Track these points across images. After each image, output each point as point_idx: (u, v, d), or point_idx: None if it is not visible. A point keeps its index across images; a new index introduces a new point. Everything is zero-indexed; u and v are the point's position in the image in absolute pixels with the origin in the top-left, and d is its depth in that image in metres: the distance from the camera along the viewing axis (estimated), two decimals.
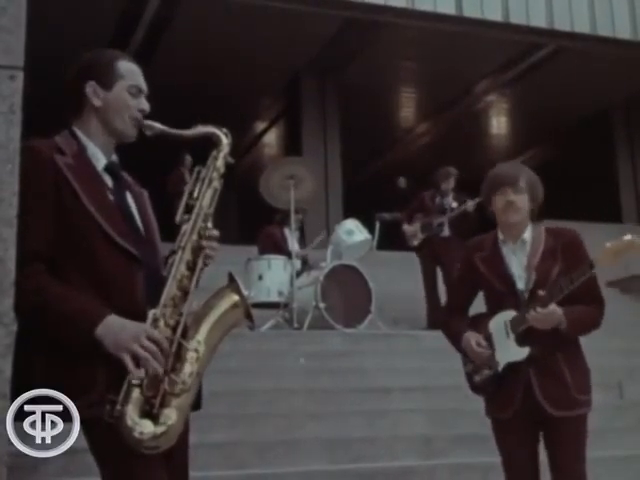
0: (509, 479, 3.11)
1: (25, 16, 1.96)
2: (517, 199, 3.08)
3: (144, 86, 2.31)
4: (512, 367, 3.04)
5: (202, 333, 2.12)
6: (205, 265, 2.21)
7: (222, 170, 2.27)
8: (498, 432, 3.12)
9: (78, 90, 2.25)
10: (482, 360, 3.09)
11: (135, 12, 12.18)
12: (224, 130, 2.33)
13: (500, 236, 3.16)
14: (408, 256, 8.71)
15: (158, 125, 2.28)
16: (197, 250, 2.18)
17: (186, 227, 2.19)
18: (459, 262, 3.32)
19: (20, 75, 1.93)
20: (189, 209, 2.22)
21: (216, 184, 2.25)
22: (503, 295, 3.08)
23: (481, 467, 4.51)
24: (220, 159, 2.28)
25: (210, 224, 2.22)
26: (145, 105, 2.29)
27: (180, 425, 2.04)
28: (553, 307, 2.92)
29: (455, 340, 3.18)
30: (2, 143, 1.88)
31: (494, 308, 3.14)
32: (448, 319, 3.30)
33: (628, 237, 2.86)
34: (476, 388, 3.21)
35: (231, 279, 2.21)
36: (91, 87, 2.24)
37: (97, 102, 2.24)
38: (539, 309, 2.92)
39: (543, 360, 2.99)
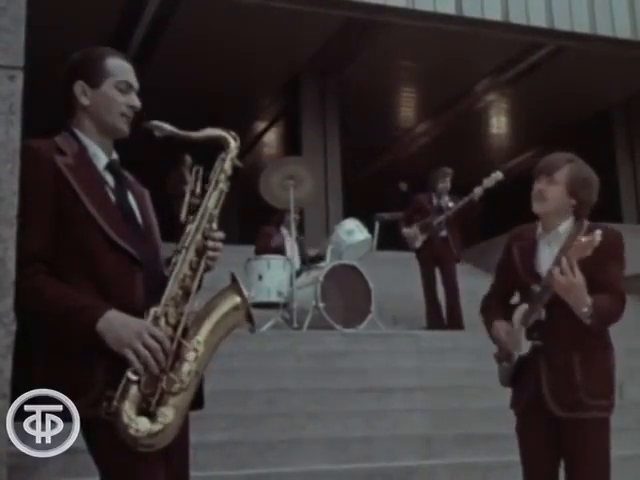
0: (525, 476, 3.06)
1: (25, 16, 1.96)
2: (547, 189, 2.98)
3: (134, 82, 2.29)
4: (523, 361, 2.99)
5: (202, 333, 2.11)
6: (208, 267, 2.21)
7: (229, 172, 2.28)
8: (517, 426, 3.08)
9: (68, 90, 2.25)
10: (508, 349, 3.03)
11: (135, 12, 12.18)
12: (232, 133, 2.33)
13: (539, 228, 3.07)
14: (408, 256, 8.71)
15: (167, 126, 2.27)
16: (201, 251, 2.18)
17: (191, 227, 2.19)
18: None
19: (20, 75, 1.93)
20: (193, 209, 2.22)
21: (223, 186, 2.25)
22: (525, 287, 3.03)
23: (481, 467, 4.51)
24: (227, 161, 2.28)
25: (215, 225, 2.22)
26: (135, 101, 2.28)
27: (177, 424, 2.04)
28: (579, 277, 2.76)
29: (487, 328, 3.13)
30: (2, 143, 1.88)
31: (522, 299, 3.09)
32: (484, 306, 3.23)
33: (598, 233, 2.76)
34: (500, 379, 3.16)
35: (233, 280, 2.21)
36: (79, 86, 2.24)
37: (85, 101, 2.24)
38: (564, 263, 2.74)
39: (554, 356, 2.92)
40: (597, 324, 2.87)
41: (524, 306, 3.02)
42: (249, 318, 2.20)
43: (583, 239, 2.76)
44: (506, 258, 3.15)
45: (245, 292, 2.19)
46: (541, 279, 2.96)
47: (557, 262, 2.85)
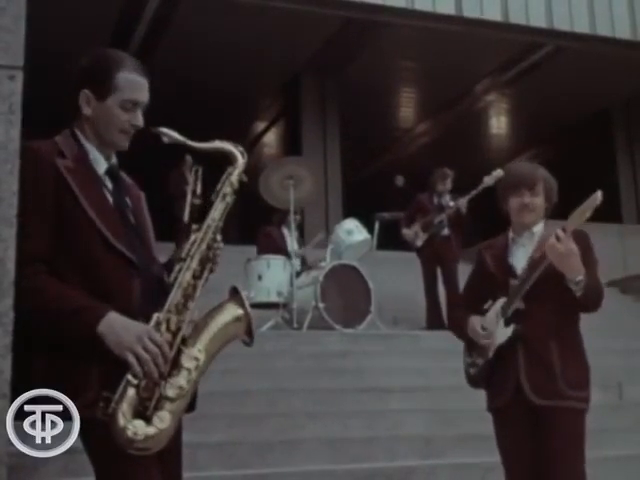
0: (508, 476, 3.08)
1: (25, 16, 1.96)
2: (532, 201, 3.12)
3: (143, 99, 2.25)
4: (501, 352, 3.04)
5: (203, 342, 2.13)
6: (211, 271, 2.23)
7: (236, 186, 2.29)
8: (496, 424, 3.12)
9: (75, 95, 2.22)
10: (485, 342, 3.08)
11: (135, 12, 12.18)
12: (240, 149, 2.33)
13: (511, 234, 3.20)
14: (408, 256, 8.71)
15: (175, 134, 2.27)
16: (205, 261, 2.20)
17: (196, 236, 2.21)
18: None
19: (20, 75, 1.93)
20: (194, 209, 2.24)
21: (229, 199, 2.27)
22: (503, 286, 3.09)
23: (481, 467, 4.50)
24: (235, 175, 2.29)
25: (219, 236, 2.24)
26: (139, 120, 2.24)
27: (172, 429, 2.05)
28: (574, 246, 2.87)
29: (460, 329, 3.20)
30: (2, 143, 1.88)
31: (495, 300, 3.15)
32: (451, 316, 3.33)
33: (599, 194, 2.85)
34: (472, 381, 3.22)
35: (235, 292, 2.24)
36: (84, 95, 2.21)
37: (87, 111, 2.21)
38: (560, 232, 2.85)
39: (533, 344, 2.99)
40: (587, 297, 2.94)
41: (501, 300, 3.07)
42: (249, 332, 2.23)
43: (582, 206, 2.86)
44: (477, 268, 3.28)
45: (248, 306, 2.22)
46: (517, 275, 3.06)
47: (537, 252, 2.99)
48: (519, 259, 3.11)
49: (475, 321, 3.12)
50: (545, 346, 2.99)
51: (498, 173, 7.70)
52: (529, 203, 3.11)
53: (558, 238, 2.86)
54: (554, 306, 2.98)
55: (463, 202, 7.88)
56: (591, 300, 2.99)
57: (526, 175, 3.17)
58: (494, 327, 3.06)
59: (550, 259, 2.89)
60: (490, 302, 3.19)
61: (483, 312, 3.18)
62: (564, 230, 2.87)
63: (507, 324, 3.03)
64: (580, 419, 3.00)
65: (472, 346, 3.19)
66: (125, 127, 2.23)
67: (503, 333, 3.03)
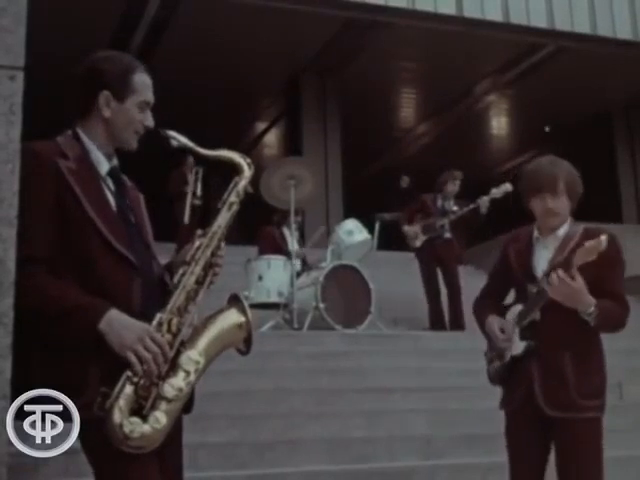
0: (513, 475, 3.07)
1: (25, 16, 1.96)
2: (556, 205, 2.99)
3: (152, 99, 2.31)
4: (516, 361, 3.01)
5: (203, 345, 2.14)
6: (212, 282, 2.25)
7: (242, 196, 2.32)
8: (506, 425, 3.09)
9: (89, 96, 2.24)
10: (500, 346, 3.05)
11: (135, 13, 12.19)
12: (248, 160, 2.36)
13: (535, 233, 3.09)
14: (408, 256, 8.71)
15: (183, 139, 2.30)
16: (208, 267, 2.23)
17: (201, 242, 2.23)
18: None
19: (20, 75, 1.92)
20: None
21: (235, 208, 2.30)
22: (521, 285, 3.05)
23: (481, 467, 4.51)
24: (241, 185, 2.32)
25: (223, 244, 2.27)
26: (150, 121, 2.30)
27: (167, 429, 2.05)
28: (579, 280, 2.79)
29: (480, 325, 3.15)
30: (2, 143, 1.88)
31: (517, 300, 3.12)
32: (477, 306, 3.25)
33: (603, 239, 2.76)
34: (490, 378, 3.17)
35: (236, 298, 2.26)
36: (104, 97, 2.23)
37: (107, 113, 2.24)
38: (560, 272, 2.78)
39: (547, 357, 2.94)
40: (602, 325, 2.89)
41: (518, 307, 3.04)
42: (248, 340, 2.25)
43: (587, 243, 2.77)
44: (502, 260, 3.19)
45: (250, 314, 2.23)
46: (537, 280, 2.98)
47: (552, 266, 2.88)
48: (541, 261, 3.02)
49: (494, 322, 3.06)
50: (560, 358, 2.92)
51: (506, 187, 7.65)
52: (553, 207, 2.99)
53: (559, 278, 2.77)
54: (570, 316, 2.87)
55: (485, 201, 7.75)
56: (608, 327, 2.94)
57: (547, 178, 3.00)
58: (512, 332, 3.02)
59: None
60: (513, 297, 3.14)
61: (503, 308, 3.13)
62: (569, 265, 2.78)
63: (522, 337, 2.98)
64: (595, 427, 2.94)
65: (491, 344, 3.14)
66: (139, 128, 2.28)
67: (518, 345, 2.99)
